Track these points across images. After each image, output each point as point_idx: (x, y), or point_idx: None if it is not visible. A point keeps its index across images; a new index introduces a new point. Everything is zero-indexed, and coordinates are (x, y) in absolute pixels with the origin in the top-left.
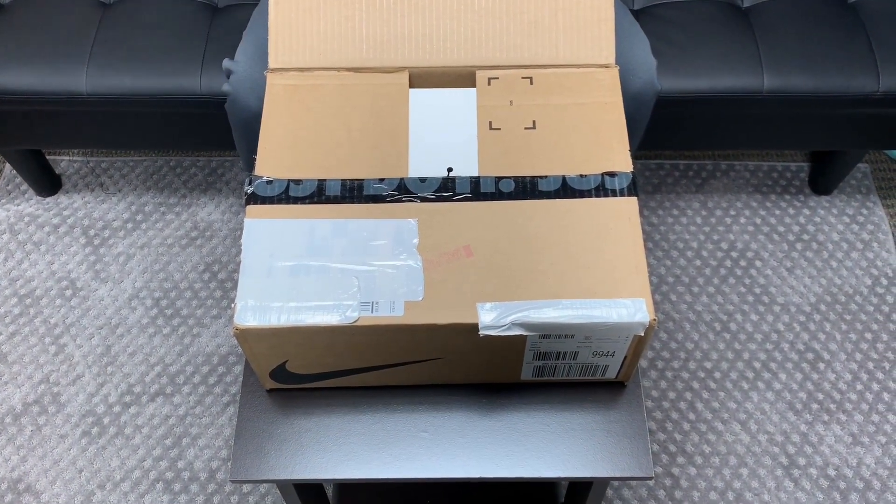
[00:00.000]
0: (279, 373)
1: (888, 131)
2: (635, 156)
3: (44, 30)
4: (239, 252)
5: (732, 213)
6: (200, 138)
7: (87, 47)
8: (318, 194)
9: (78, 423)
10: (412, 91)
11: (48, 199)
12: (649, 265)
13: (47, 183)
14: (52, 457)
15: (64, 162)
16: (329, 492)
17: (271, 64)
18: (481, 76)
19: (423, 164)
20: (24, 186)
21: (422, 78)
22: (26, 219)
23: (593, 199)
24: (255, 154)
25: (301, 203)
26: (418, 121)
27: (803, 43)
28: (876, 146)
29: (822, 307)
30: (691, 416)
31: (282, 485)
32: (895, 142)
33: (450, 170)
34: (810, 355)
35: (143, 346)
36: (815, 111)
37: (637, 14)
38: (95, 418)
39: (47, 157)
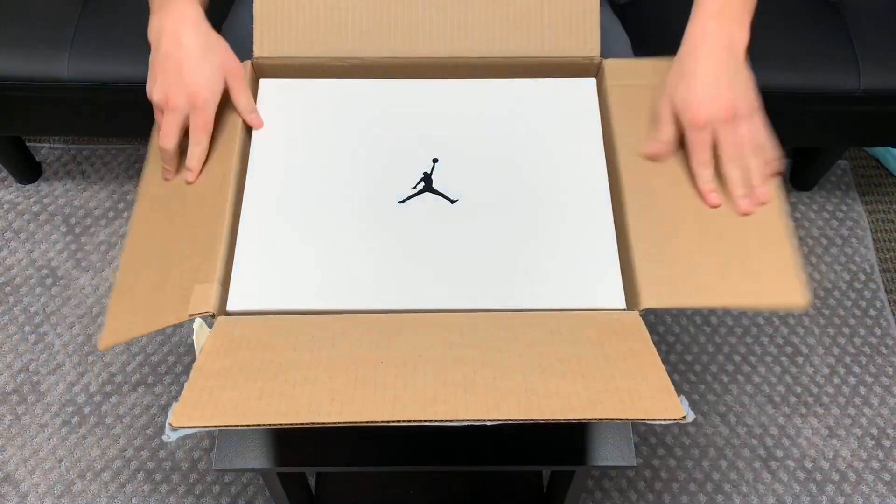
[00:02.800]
0: None
1: (868, 129)
2: None
3: (25, 15)
4: None
5: None
6: None
7: (70, 33)
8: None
9: (58, 413)
10: (396, 81)
11: (28, 187)
12: None
13: (27, 170)
14: (31, 446)
15: (44, 149)
16: (311, 481)
17: (256, 52)
18: None
19: (408, 154)
20: (4, 173)
21: (407, 69)
22: (5, 206)
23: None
24: None
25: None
26: (404, 111)
27: (785, 40)
28: (856, 143)
29: None
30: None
31: (265, 473)
32: (875, 139)
33: (435, 160)
34: (789, 349)
35: None
36: (797, 108)
37: (621, 10)
38: (76, 408)
39: (27, 144)
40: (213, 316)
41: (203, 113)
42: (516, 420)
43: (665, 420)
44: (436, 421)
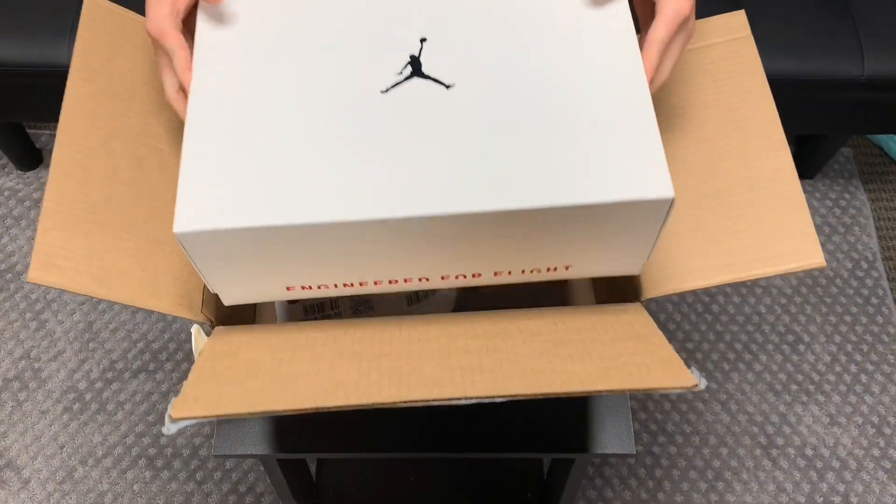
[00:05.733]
0: None
1: (872, 116)
2: None
3: (25, 1)
4: None
5: None
6: None
7: (70, 19)
8: None
9: (59, 399)
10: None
11: (29, 174)
12: None
13: (28, 157)
14: (33, 432)
15: (45, 136)
16: (312, 467)
17: None
18: None
19: (390, 34)
20: (4, 160)
21: None
22: (6, 193)
23: None
24: None
25: None
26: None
27: (789, 26)
28: (859, 131)
29: (804, 290)
30: (672, 396)
31: (265, 460)
32: (878, 126)
33: (423, 40)
34: (790, 337)
35: (125, 322)
36: (800, 95)
37: None
38: (77, 394)
39: (28, 131)
40: (212, 325)
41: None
42: (526, 395)
43: (677, 388)
44: (444, 400)
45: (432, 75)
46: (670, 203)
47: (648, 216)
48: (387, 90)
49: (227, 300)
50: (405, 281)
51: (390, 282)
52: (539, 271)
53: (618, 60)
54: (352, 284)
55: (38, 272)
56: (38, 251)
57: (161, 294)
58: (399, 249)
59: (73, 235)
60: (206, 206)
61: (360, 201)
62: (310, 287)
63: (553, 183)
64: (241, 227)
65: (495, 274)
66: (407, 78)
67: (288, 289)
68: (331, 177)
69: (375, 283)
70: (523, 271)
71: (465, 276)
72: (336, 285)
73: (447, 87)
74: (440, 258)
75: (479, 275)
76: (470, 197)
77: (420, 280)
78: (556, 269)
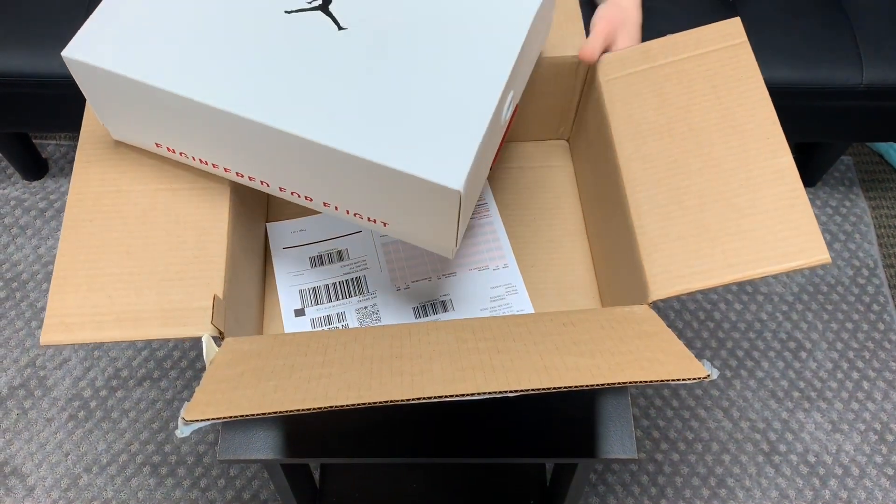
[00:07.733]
0: None
1: (871, 124)
2: None
3: (32, 11)
4: None
5: None
6: None
7: (76, 29)
8: None
9: (64, 407)
10: None
11: (34, 184)
12: None
13: (34, 167)
14: (38, 440)
15: (51, 146)
16: (316, 475)
17: None
18: None
19: None
20: (10, 170)
21: None
22: (12, 202)
23: None
24: None
25: None
26: None
27: (788, 35)
28: (859, 139)
29: (805, 297)
30: (674, 403)
31: (269, 465)
32: (878, 134)
33: None
34: (792, 344)
35: None
36: (800, 103)
37: None
38: (82, 402)
39: (34, 141)
40: (222, 337)
41: None
42: (539, 389)
43: (690, 379)
44: (457, 396)
45: (334, 14)
46: (459, 196)
47: (441, 200)
48: (290, 12)
49: (114, 135)
50: (249, 178)
51: (237, 174)
52: (361, 217)
53: (495, 52)
54: (206, 162)
55: (51, 335)
56: (50, 314)
57: (188, 321)
58: (242, 145)
59: (90, 291)
60: (101, 44)
61: (221, 92)
62: (173, 150)
63: (374, 137)
64: (118, 73)
65: (324, 204)
66: (313, 8)
67: (156, 144)
68: (207, 63)
69: (225, 169)
70: (347, 212)
71: (298, 195)
72: (194, 158)
73: (339, 27)
74: (278, 168)
75: (311, 199)
76: (307, 124)
77: (262, 183)
78: (375, 221)
